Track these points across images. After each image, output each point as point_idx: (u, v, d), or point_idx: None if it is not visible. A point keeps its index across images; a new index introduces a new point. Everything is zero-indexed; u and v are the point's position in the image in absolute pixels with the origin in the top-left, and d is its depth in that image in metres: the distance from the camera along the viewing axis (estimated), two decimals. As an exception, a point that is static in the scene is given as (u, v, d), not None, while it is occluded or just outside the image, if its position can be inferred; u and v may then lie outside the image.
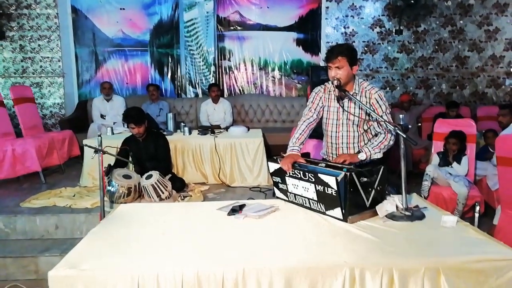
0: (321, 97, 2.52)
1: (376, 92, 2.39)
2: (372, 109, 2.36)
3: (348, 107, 2.44)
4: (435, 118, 5.07)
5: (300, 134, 2.46)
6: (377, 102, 2.37)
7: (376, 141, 2.39)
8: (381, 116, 2.34)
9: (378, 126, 2.39)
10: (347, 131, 2.47)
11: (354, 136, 2.47)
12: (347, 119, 2.45)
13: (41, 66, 6.64)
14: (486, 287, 1.55)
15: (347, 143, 2.49)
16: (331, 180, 1.95)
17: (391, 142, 2.38)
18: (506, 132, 3.84)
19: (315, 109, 2.52)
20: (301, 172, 2.14)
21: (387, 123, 2.17)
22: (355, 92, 2.40)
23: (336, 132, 2.50)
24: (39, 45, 6.58)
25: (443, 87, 6.89)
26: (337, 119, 2.48)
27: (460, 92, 6.90)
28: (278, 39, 6.73)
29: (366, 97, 2.39)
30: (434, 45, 6.76)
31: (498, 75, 6.86)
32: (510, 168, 2.66)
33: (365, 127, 2.46)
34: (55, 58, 6.62)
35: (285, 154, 2.37)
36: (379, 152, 2.37)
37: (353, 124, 2.45)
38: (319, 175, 2.02)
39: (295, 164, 2.24)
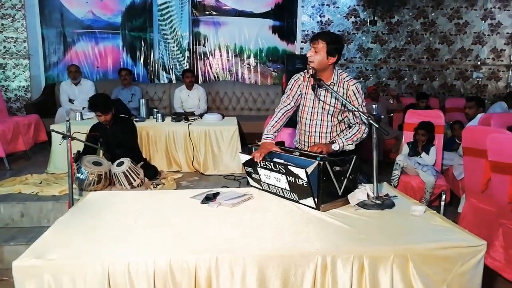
0: (299, 85, 2.51)
1: (354, 84, 2.40)
2: (349, 101, 2.38)
3: (324, 96, 2.44)
4: (405, 109, 5.19)
5: (276, 122, 2.45)
6: (354, 94, 2.39)
7: (349, 133, 2.41)
8: (357, 109, 2.36)
9: (353, 117, 2.42)
10: (321, 120, 2.48)
11: (327, 125, 2.49)
12: (322, 108, 2.46)
13: (4, 47, 6.31)
14: (452, 274, 1.61)
15: (319, 132, 2.50)
16: (301, 172, 1.96)
17: (364, 135, 2.40)
18: (472, 123, 3.99)
19: (293, 97, 2.51)
20: (272, 164, 2.14)
21: (361, 113, 2.20)
22: (332, 82, 2.41)
23: (310, 120, 2.51)
24: (2, 24, 6.24)
25: (414, 78, 7.06)
26: (312, 107, 2.49)
27: (430, 83, 7.09)
28: (254, 26, 6.67)
29: (343, 88, 2.40)
30: (406, 36, 6.90)
31: (466, 67, 7.09)
32: (475, 159, 2.77)
33: (340, 118, 2.48)
34: (20, 39, 6.31)
35: (260, 142, 2.37)
36: (352, 144, 2.40)
37: (328, 113, 2.46)
38: (289, 167, 2.03)
39: (266, 156, 2.23)
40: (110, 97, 3.83)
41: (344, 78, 2.41)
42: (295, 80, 2.53)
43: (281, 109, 2.49)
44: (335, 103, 2.42)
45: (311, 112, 2.50)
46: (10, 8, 6.21)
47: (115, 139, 3.77)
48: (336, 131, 2.50)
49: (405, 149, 4.03)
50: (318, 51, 2.31)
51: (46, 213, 3.35)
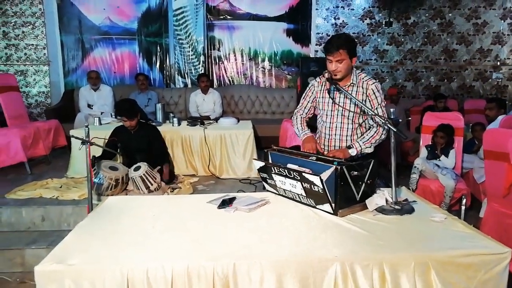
0: (313, 92, 2.53)
1: (373, 83, 2.38)
2: (369, 100, 2.35)
3: (343, 100, 2.41)
4: (423, 111, 5.10)
5: (300, 124, 2.60)
6: (374, 93, 2.36)
7: (367, 135, 2.38)
8: (376, 109, 2.34)
9: (371, 119, 2.39)
10: (341, 122, 2.46)
11: (348, 128, 2.46)
12: (341, 111, 2.44)
13: (25, 54, 6.47)
14: (475, 282, 1.57)
15: (340, 135, 2.48)
16: (316, 179, 1.94)
17: (383, 136, 2.37)
18: (492, 126, 3.89)
19: (305, 107, 2.60)
20: (286, 170, 2.13)
21: (378, 117, 2.17)
22: (352, 83, 2.39)
23: (330, 123, 2.49)
24: (23, 31, 6.40)
25: (432, 80, 6.94)
26: (331, 110, 2.47)
27: (448, 85, 6.96)
28: (268, 29, 6.66)
29: (363, 87, 2.38)
30: (423, 37, 6.79)
31: (485, 68, 6.93)
32: (497, 162, 2.70)
33: (360, 121, 2.45)
34: (40, 46, 6.46)
35: (301, 138, 2.51)
36: (370, 147, 2.37)
37: (347, 117, 2.44)
38: (304, 174, 2.01)
39: (280, 162, 2.24)
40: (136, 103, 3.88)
41: (363, 78, 2.40)
42: (308, 89, 2.58)
43: (297, 116, 2.63)
44: (354, 108, 2.39)
45: (330, 115, 2.48)
46: (30, 16, 6.36)
47: (138, 145, 3.80)
48: (357, 134, 2.47)
49: (424, 152, 3.95)
50: (342, 60, 2.27)
51: (66, 217, 3.41)
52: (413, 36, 6.78)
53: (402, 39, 6.78)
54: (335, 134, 2.49)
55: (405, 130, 5.61)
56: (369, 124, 2.44)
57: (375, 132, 2.37)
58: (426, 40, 6.79)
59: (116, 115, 4.06)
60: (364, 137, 2.38)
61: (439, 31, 6.78)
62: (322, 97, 2.49)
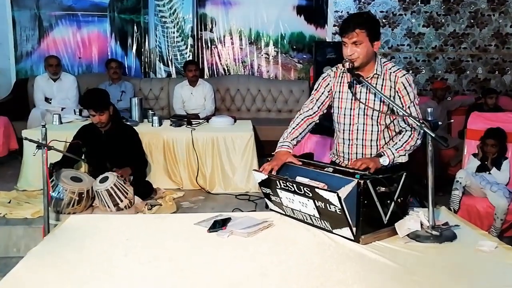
0: (328, 84, 2.53)
1: (404, 75, 2.39)
2: (398, 96, 2.36)
3: (366, 96, 2.42)
4: (468, 111, 5.11)
5: (294, 128, 2.51)
6: (405, 88, 2.37)
7: (401, 140, 2.38)
8: (408, 107, 2.35)
9: (403, 120, 2.39)
10: (364, 124, 2.46)
11: (372, 131, 2.46)
12: (364, 109, 2.44)
13: (-34, 34, 6.51)
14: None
15: (363, 139, 2.48)
16: (331, 197, 1.95)
17: (418, 142, 2.38)
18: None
19: (317, 100, 2.54)
20: (295, 185, 2.13)
21: (412, 119, 2.17)
22: (376, 73, 2.40)
23: (350, 125, 2.50)
24: (-36, 6, 6.44)
25: (479, 71, 6.96)
26: (351, 109, 2.48)
27: (500, 78, 6.98)
28: (274, 6, 6.71)
29: (391, 80, 2.39)
30: (469, 18, 6.81)
31: (548, 58, 6.95)
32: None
33: (388, 121, 2.45)
34: (-15, 24, 6.50)
35: (274, 153, 2.41)
36: (404, 154, 2.37)
37: (371, 117, 2.44)
38: (317, 190, 2.01)
39: (287, 175, 2.23)
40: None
41: (390, 69, 2.42)
42: (323, 79, 2.56)
43: (300, 114, 2.55)
44: (380, 106, 2.40)
45: (350, 115, 2.48)
46: (-26, -14, 6.41)
47: (110, 149, 3.81)
48: (384, 137, 2.48)
49: (469, 163, 3.96)
50: (360, 42, 2.29)
51: (16, 241, 3.42)
52: (457, 16, 6.80)
53: (443, 20, 6.81)
54: (357, 139, 2.49)
55: (445, 134, 5.62)
56: (399, 126, 2.44)
57: (409, 136, 2.37)
58: (472, 21, 6.82)
59: (82, 107, 4.07)
60: (396, 143, 2.38)
61: (489, 10, 6.81)
62: (339, 92, 2.50)
